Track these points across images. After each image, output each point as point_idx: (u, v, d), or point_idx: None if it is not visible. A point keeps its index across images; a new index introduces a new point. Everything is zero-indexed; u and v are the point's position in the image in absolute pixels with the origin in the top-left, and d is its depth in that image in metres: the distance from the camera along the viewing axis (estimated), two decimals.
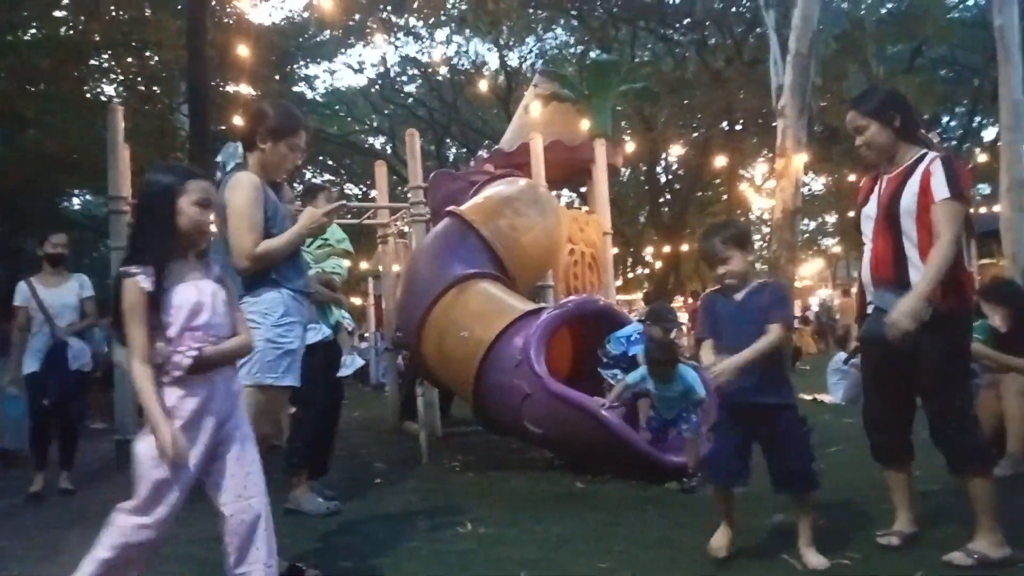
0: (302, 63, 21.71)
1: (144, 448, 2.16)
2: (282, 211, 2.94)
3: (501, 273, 5.43)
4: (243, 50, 11.82)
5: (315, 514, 3.99)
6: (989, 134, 21.58)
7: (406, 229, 7.65)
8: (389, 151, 24.36)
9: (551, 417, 4.51)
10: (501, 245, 5.44)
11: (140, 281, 2.15)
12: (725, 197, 22.00)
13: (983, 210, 16.12)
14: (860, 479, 3.95)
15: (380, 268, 8.45)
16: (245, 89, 13.93)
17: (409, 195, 6.85)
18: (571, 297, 6.28)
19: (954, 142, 22.48)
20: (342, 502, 4.16)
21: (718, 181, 23.04)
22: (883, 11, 18.02)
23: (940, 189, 2.77)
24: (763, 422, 2.90)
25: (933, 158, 2.86)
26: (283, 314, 2.80)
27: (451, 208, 5.72)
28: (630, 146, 13.74)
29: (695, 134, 20.89)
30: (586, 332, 5.29)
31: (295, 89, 20.98)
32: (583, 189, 13.05)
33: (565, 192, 17.88)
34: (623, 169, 18.10)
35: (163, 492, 2.15)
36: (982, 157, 18.05)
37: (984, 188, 19.09)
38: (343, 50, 22.33)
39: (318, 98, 23.68)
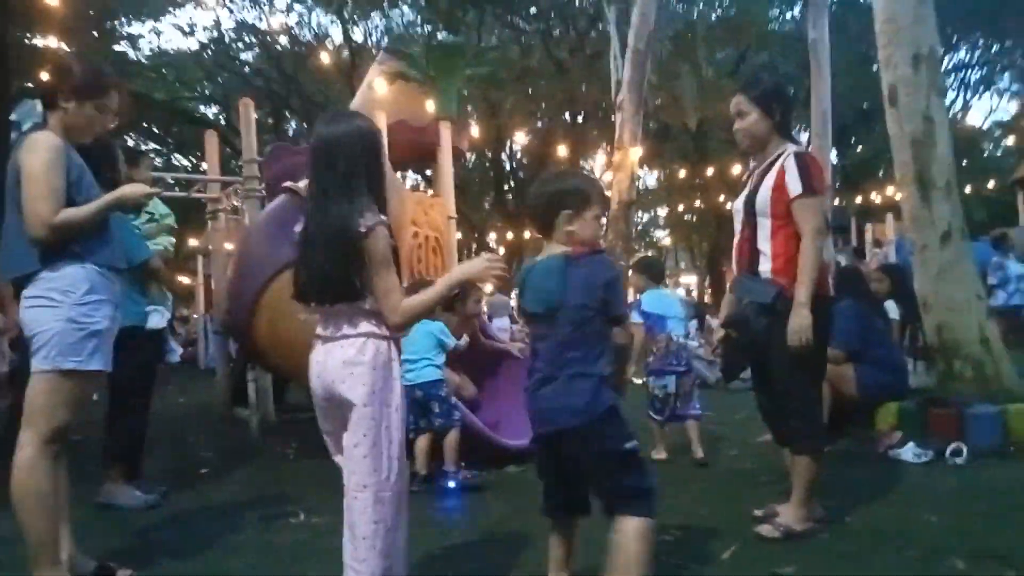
0: (124, 20, 19.93)
1: None
2: (88, 178, 2.64)
3: None
4: None
5: (132, 508, 3.69)
6: (803, 138, 23.56)
7: (239, 205, 7.24)
8: (223, 122, 22.96)
9: None
10: None
11: None
12: None
13: None
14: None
15: (210, 246, 7.95)
16: (55, 43, 12.57)
17: (242, 169, 6.47)
18: (415, 280, 6.20)
19: None
20: (163, 495, 3.87)
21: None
22: (713, 17, 19.20)
23: (794, 186, 2.91)
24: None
25: (788, 154, 2.98)
26: (88, 291, 2.52)
27: (288, 184, 5.46)
28: (476, 131, 13.76)
29: (539, 123, 21.31)
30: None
31: (116, 48, 19.23)
32: (428, 172, 12.94)
33: (411, 174, 17.68)
34: (468, 154, 18.13)
35: None
36: None
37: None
38: (171, 9, 20.73)
39: (143, 59, 21.86)
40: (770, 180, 2.98)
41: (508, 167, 24.65)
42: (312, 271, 2.15)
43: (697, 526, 3.13)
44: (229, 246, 7.12)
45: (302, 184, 5.47)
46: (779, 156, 3.02)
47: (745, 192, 3.13)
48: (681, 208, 21.96)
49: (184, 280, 16.42)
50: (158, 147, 23.02)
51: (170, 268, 4.77)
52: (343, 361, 2.11)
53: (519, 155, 24.47)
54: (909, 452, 4.17)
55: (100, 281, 2.59)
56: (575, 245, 2.17)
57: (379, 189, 2.19)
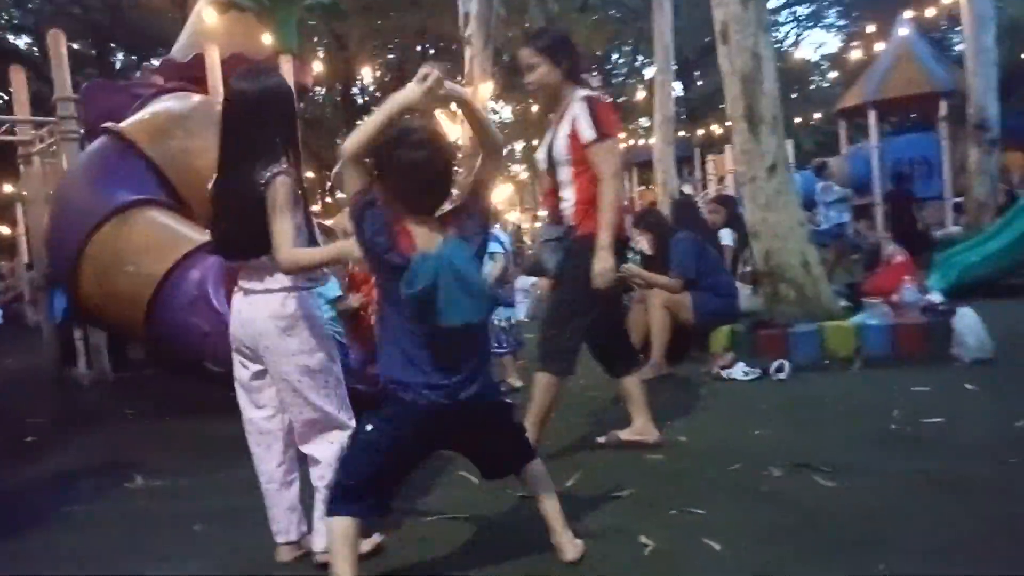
0: None
1: None
2: None
3: (173, 200, 4.91)
4: None
5: None
6: (649, 72, 24.22)
7: (56, 146, 6.60)
8: (37, 54, 20.65)
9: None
10: (172, 169, 4.91)
11: None
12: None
13: (642, 142, 18.26)
14: None
15: (24, 192, 7.22)
16: None
17: (57, 108, 5.88)
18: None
19: (621, 78, 24.96)
20: None
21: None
22: None
23: (587, 132, 2.94)
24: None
25: (578, 99, 3.00)
26: None
27: (109, 125, 5.02)
28: (320, 66, 13.16)
29: (390, 55, 20.65)
30: None
31: None
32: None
33: None
34: (316, 89, 17.36)
35: None
36: (642, 94, 20.17)
37: (645, 122, 21.53)
38: None
39: None
40: (565, 128, 3.02)
41: (360, 101, 23.84)
42: (227, 226, 2.23)
43: (541, 455, 3.24)
44: (48, 192, 6.50)
45: (124, 124, 5.05)
46: (571, 103, 3.04)
47: (546, 142, 3.16)
48: (536, 142, 22.12)
49: (3, 230, 14.94)
50: None
51: None
52: (269, 315, 2.18)
53: (372, 89, 23.69)
54: (739, 371, 4.49)
55: None
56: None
57: (291, 143, 2.23)
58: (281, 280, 2.18)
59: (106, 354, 5.88)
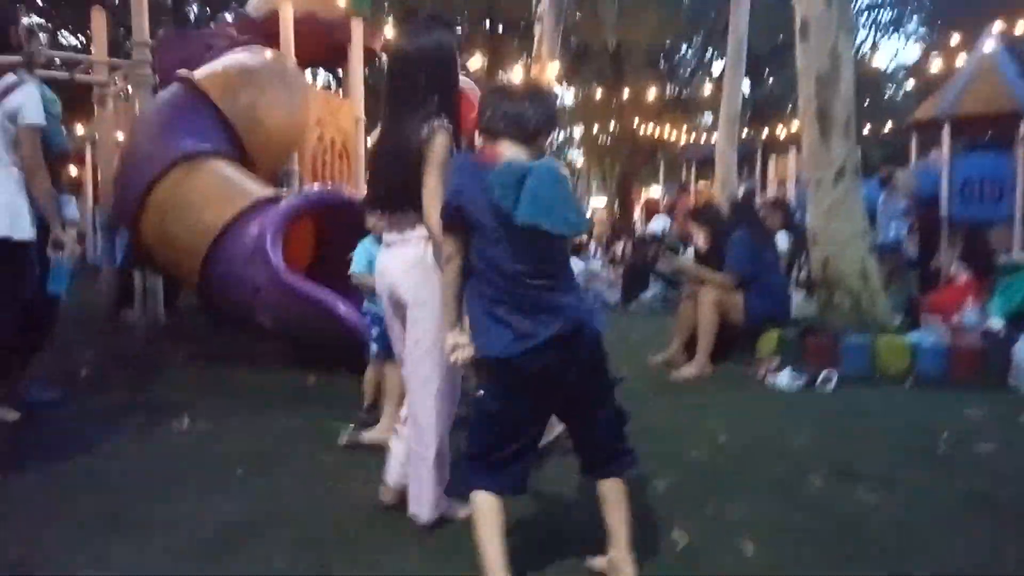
0: None
1: None
2: None
3: (238, 153, 5.00)
4: None
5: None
6: (718, 68, 23.75)
7: (130, 89, 6.75)
8: (117, 1, 21.12)
9: (285, 311, 4.32)
10: (240, 122, 4.99)
11: None
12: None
13: (704, 139, 17.96)
14: None
15: (96, 134, 7.42)
16: None
17: (133, 52, 6.00)
18: (315, 185, 6.00)
19: (687, 71, 24.54)
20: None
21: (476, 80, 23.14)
22: None
23: None
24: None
25: None
26: None
27: (182, 72, 5.11)
28: (391, 32, 13.21)
29: (459, 29, 20.60)
30: (330, 225, 5.08)
31: None
32: (341, 72, 12.37)
33: (322, 73, 16.90)
34: (382, 55, 17.45)
35: None
36: (708, 90, 19.83)
37: (708, 118, 21.18)
38: None
39: None
40: None
41: None
42: (382, 179, 2.30)
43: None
44: (119, 135, 6.67)
45: (197, 73, 5.14)
46: None
47: None
48: (596, 129, 21.93)
49: (72, 171, 15.38)
50: (42, 20, 21.02)
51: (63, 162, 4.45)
52: (402, 262, 2.25)
53: None
54: (785, 377, 4.41)
55: None
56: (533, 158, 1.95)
57: (451, 99, 2.25)
58: (421, 231, 2.20)
59: (161, 299, 6.03)
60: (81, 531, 2.28)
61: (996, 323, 4.95)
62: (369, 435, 3.10)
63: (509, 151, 1.93)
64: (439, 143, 2.13)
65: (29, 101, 3.17)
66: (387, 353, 2.94)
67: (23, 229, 3.14)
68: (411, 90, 2.22)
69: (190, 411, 3.55)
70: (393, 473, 2.42)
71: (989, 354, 4.52)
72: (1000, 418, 3.71)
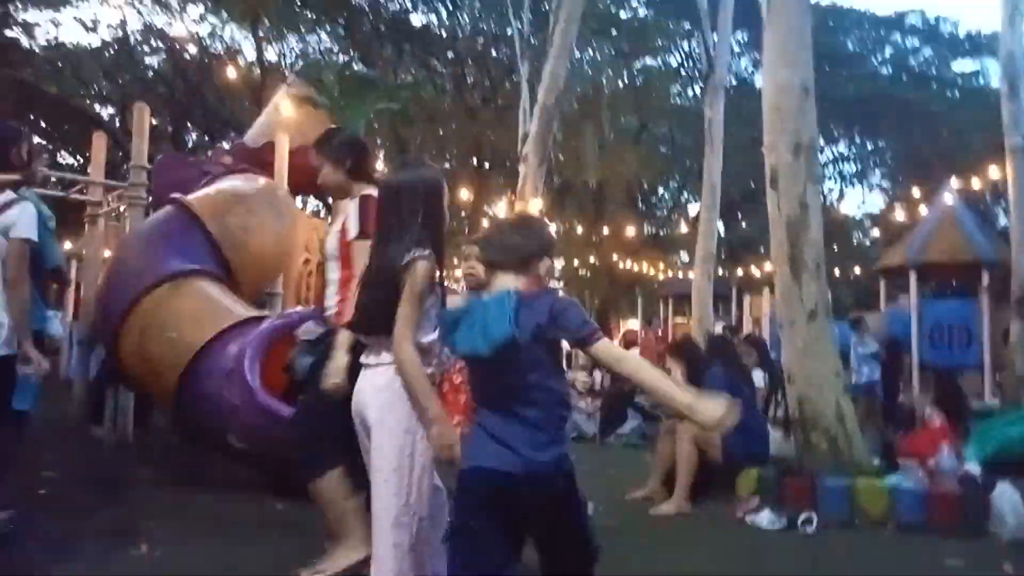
0: (19, 5, 18.83)
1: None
2: None
3: (225, 274, 5.07)
4: None
5: None
6: (693, 209, 24.73)
7: (122, 210, 6.89)
8: (118, 124, 21.88)
9: (258, 433, 4.25)
10: (228, 244, 5.09)
11: None
12: (467, 231, 22.78)
13: (680, 275, 18.44)
14: None
15: (84, 251, 7.50)
16: None
17: (130, 173, 6.19)
18: (298, 308, 6.03)
19: (664, 211, 25.51)
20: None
21: (463, 214, 23.84)
22: (620, 84, 20.06)
23: (352, 229, 2.91)
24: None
25: (354, 198, 2.99)
26: None
27: (176, 196, 5.25)
28: (382, 165, 13.73)
29: (446, 164, 21.44)
30: None
31: (8, 33, 18.13)
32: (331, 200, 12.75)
33: (312, 200, 17.38)
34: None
35: None
36: (684, 229, 20.55)
37: (684, 256, 21.82)
38: (74, 1, 19.78)
39: (36, 49, 20.66)
40: (337, 224, 3.07)
41: None
42: (362, 303, 2.36)
43: None
44: (106, 253, 6.75)
45: (191, 197, 5.28)
46: (350, 201, 3.06)
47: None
48: (576, 263, 22.47)
49: (53, 285, 15.34)
50: (44, 142, 21.65)
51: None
52: (372, 386, 2.28)
53: None
54: (765, 518, 4.35)
55: None
56: (535, 287, 2.03)
57: (436, 232, 2.34)
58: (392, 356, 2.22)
59: (131, 417, 5.91)
60: None
61: (973, 467, 4.96)
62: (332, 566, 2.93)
63: (501, 280, 2.01)
64: (419, 272, 2.20)
65: (24, 216, 3.24)
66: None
67: (9, 343, 3.13)
68: (396, 220, 2.32)
69: (149, 537, 3.41)
70: None
71: (967, 500, 4.50)
72: (983, 567, 3.66)
